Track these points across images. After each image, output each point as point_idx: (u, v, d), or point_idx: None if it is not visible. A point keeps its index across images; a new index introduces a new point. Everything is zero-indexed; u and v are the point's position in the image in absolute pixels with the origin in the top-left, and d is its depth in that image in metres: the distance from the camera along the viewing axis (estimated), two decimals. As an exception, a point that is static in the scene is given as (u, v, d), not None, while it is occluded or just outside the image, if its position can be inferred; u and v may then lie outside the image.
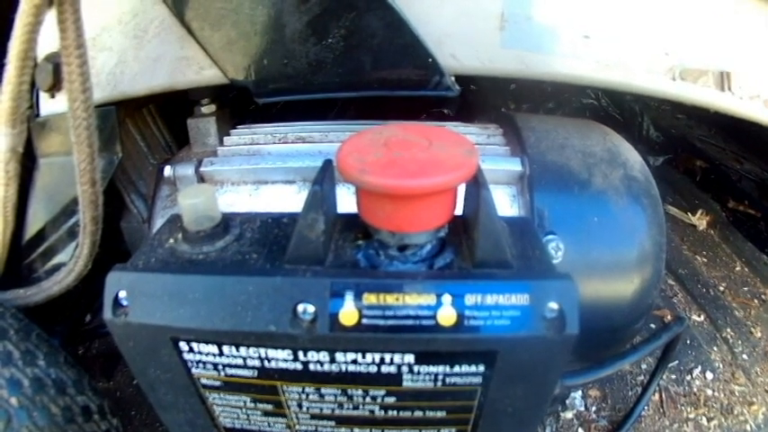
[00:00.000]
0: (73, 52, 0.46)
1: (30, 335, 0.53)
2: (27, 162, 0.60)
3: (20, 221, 0.60)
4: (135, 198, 0.58)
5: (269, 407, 0.38)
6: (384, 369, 0.33)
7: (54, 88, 0.57)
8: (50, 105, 0.60)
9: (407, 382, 0.35)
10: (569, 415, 0.77)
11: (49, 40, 0.46)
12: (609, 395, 0.79)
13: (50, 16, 0.44)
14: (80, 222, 0.51)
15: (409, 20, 0.45)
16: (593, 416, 0.77)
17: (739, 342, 0.88)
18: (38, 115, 0.61)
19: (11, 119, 0.51)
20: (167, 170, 0.54)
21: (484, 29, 0.47)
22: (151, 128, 0.63)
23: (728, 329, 0.90)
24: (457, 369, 0.34)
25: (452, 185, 0.30)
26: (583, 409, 0.78)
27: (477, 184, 0.32)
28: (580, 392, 0.79)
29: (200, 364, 0.36)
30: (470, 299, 0.31)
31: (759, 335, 0.89)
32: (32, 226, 0.61)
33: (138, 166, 0.59)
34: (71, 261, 0.54)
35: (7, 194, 0.54)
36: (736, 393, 0.80)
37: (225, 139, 0.59)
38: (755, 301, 0.96)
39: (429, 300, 0.31)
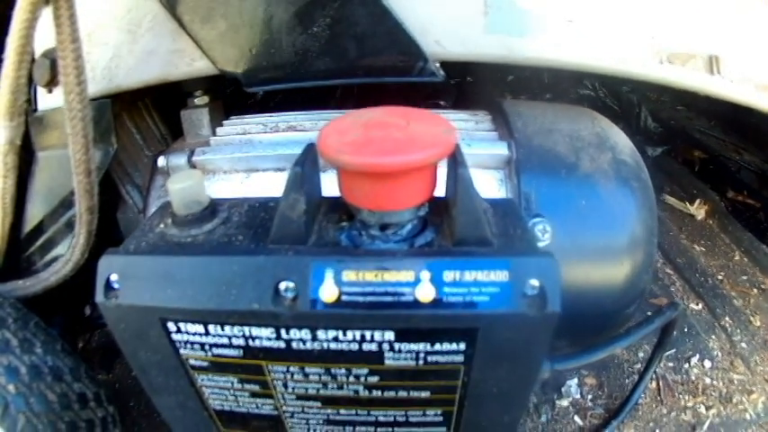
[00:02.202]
0: (68, 46, 0.47)
1: (28, 324, 0.54)
2: (26, 156, 0.61)
3: (19, 214, 0.61)
4: (130, 189, 0.59)
5: (256, 387, 0.39)
6: (365, 347, 0.34)
7: (51, 83, 0.58)
8: (48, 100, 0.61)
9: (389, 361, 0.35)
10: (565, 403, 0.77)
11: (46, 36, 0.48)
12: (605, 383, 0.79)
13: (47, 12, 0.45)
14: (76, 213, 0.52)
15: (393, 7, 0.46)
16: (590, 404, 0.77)
17: (738, 331, 0.87)
18: (36, 110, 0.62)
19: (9, 112, 0.52)
20: (161, 160, 0.55)
21: (467, 14, 0.47)
22: (146, 120, 0.64)
23: (727, 318, 0.90)
24: (438, 347, 0.34)
25: (428, 162, 0.31)
26: (579, 396, 0.78)
27: (455, 163, 0.33)
28: (576, 380, 0.79)
29: (188, 345, 0.36)
30: (449, 275, 0.32)
31: (758, 324, 0.88)
32: (31, 219, 0.62)
33: (134, 157, 0.60)
34: (68, 251, 0.55)
35: (5, 186, 0.55)
36: (735, 382, 0.80)
37: (218, 129, 0.60)
38: (754, 290, 0.95)
39: (407, 276, 0.32)
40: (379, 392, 0.38)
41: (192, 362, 0.38)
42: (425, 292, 0.31)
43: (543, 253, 0.34)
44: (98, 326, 0.71)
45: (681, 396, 0.78)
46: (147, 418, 0.74)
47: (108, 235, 0.59)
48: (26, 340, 0.52)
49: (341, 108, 0.69)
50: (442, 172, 0.37)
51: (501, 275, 0.32)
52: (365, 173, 0.30)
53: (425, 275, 0.31)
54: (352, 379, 0.37)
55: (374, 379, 0.37)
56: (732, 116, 1.11)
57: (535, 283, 0.33)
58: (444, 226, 0.36)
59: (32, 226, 0.61)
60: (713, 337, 0.87)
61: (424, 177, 0.32)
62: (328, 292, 0.31)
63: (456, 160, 0.33)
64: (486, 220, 0.35)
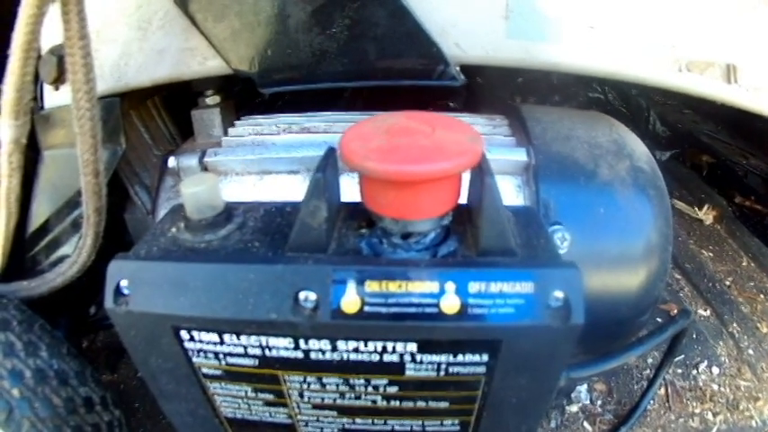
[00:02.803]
0: (76, 43, 0.46)
1: (32, 326, 0.53)
2: (31, 154, 0.60)
3: (24, 214, 0.60)
4: (139, 190, 0.58)
5: (270, 396, 0.38)
6: (386, 358, 0.33)
7: (58, 80, 0.57)
8: (54, 98, 0.60)
9: (410, 372, 0.34)
10: (575, 408, 0.76)
11: (53, 32, 0.47)
12: (614, 389, 0.79)
13: (55, 8, 0.44)
14: (84, 214, 0.51)
15: (413, 9, 0.45)
16: (599, 409, 0.76)
17: (745, 337, 0.87)
18: (42, 108, 0.61)
19: (14, 110, 0.51)
20: (171, 161, 0.54)
21: (488, 18, 0.46)
22: (156, 120, 0.63)
23: (735, 324, 0.89)
24: (460, 358, 0.34)
25: (456, 172, 0.30)
26: (588, 402, 0.77)
27: (481, 172, 0.32)
28: (585, 386, 0.79)
29: (201, 353, 0.35)
30: (474, 287, 0.31)
31: (765, 330, 0.88)
32: (37, 218, 0.61)
33: (143, 157, 0.59)
34: (74, 253, 0.54)
35: (11, 186, 0.54)
36: (742, 388, 0.79)
37: (229, 129, 0.59)
38: (762, 296, 0.95)
39: (432, 287, 0.31)
40: (398, 403, 0.37)
41: (204, 370, 0.37)
42: (450, 304, 0.30)
43: (567, 264, 0.33)
44: (103, 326, 0.70)
45: (689, 402, 0.78)
46: (153, 420, 0.73)
47: (115, 236, 0.58)
48: (31, 343, 0.51)
49: (350, 108, 0.68)
50: (465, 178, 0.36)
51: (526, 287, 0.32)
52: (391, 181, 0.29)
53: (450, 287, 0.31)
54: (370, 389, 0.36)
55: (393, 389, 0.36)
56: (739, 120, 1.10)
57: (559, 294, 0.32)
58: (468, 235, 0.35)
59: (38, 226, 0.60)
60: (721, 343, 0.86)
61: (450, 186, 0.32)
62: (350, 302, 0.30)
63: (482, 169, 0.32)
64: (510, 229, 0.34)
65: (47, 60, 0.56)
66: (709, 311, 0.93)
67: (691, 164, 1.26)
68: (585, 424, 0.74)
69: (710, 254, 1.05)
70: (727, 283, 0.98)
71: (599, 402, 0.77)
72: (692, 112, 1.21)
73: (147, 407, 0.75)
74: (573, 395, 0.78)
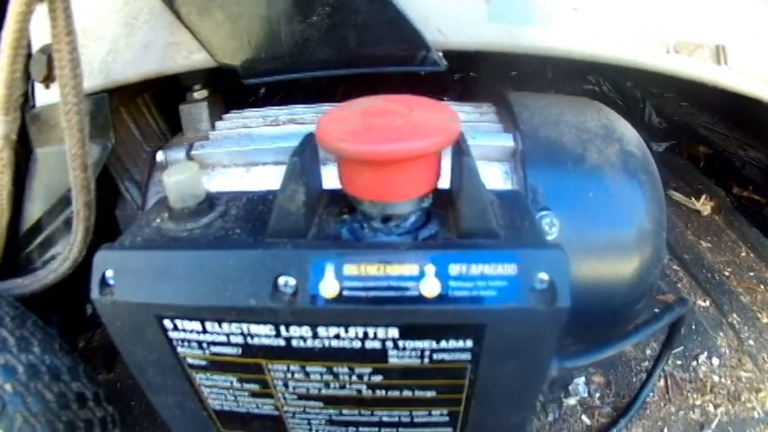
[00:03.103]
0: (63, 39, 0.47)
1: (25, 322, 0.53)
2: (24, 153, 0.60)
3: (17, 212, 0.60)
4: (129, 185, 0.58)
5: (255, 387, 0.38)
6: (368, 344, 0.33)
7: (48, 79, 0.58)
8: (46, 96, 0.60)
9: (393, 359, 0.34)
10: (573, 401, 0.75)
11: (44, 32, 0.47)
12: (613, 381, 0.78)
13: (43, 7, 0.45)
14: (73, 209, 0.51)
15: (394, -5, 0.44)
16: (597, 402, 0.75)
17: (745, 327, 0.86)
18: (34, 106, 0.61)
19: (4, 106, 0.51)
20: (160, 155, 0.54)
21: (470, 3, 0.46)
22: (145, 116, 0.63)
23: (734, 315, 0.88)
24: (444, 344, 0.33)
25: (432, 150, 0.29)
26: (586, 395, 0.76)
27: (459, 152, 0.32)
28: (583, 378, 0.78)
29: (185, 343, 0.35)
30: (454, 269, 0.31)
31: (765, 320, 0.87)
32: (29, 216, 0.61)
33: (133, 153, 0.59)
34: (66, 249, 0.54)
35: (2, 182, 0.54)
36: (743, 380, 0.78)
37: (217, 123, 0.59)
38: (761, 286, 0.94)
39: (411, 270, 0.30)
40: (383, 392, 0.37)
41: (189, 360, 0.37)
42: (430, 287, 0.30)
43: (552, 245, 0.33)
44: (99, 325, 0.70)
45: (689, 394, 0.77)
46: (149, 418, 0.73)
47: (107, 233, 0.58)
48: (24, 339, 0.51)
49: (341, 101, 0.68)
50: (447, 164, 0.36)
51: (509, 269, 0.31)
52: (366, 161, 0.29)
53: (430, 269, 0.30)
54: (354, 378, 0.35)
55: (378, 378, 0.35)
56: (736, 111, 1.09)
57: (544, 276, 0.31)
58: (449, 218, 0.35)
59: (31, 224, 0.60)
60: (721, 334, 0.85)
61: (427, 166, 0.31)
62: (329, 286, 0.30)
63: (461, 149, 0.32)
64: (493, 211, 0.34)
65: (37, 59, 0.56)
66: (708, 302, 0.91)
67: (688, 155, 1.25)
68: (584, 417, 0.74)
69: (709, 244, 1.04)
70: (727, 273, 0.97)
71: (597, 395, 0.76)
72: (688, 103, 1.20)
73: (144, 405, 0.75)
74: (571, 388, 0.77)
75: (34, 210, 0.61)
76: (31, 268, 0.61)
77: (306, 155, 0.33)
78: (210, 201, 0.37)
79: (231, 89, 0.72)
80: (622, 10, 0.48)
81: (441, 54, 0.48)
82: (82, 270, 0.55)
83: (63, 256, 0.55)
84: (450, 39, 0.47)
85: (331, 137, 0.29)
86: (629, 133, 0.53)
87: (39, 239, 0.62)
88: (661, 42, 0.49)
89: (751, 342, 0.84)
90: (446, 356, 0.34)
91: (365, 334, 0.32)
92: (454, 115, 0.32)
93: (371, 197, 0.32)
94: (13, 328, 0.51)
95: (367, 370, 0.35)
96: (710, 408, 0.75)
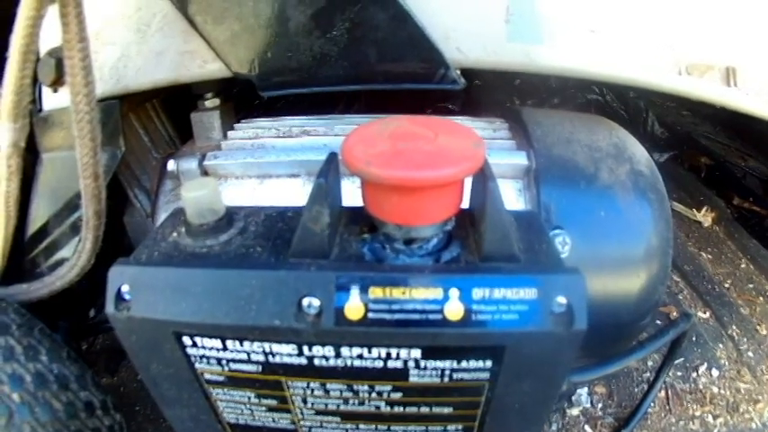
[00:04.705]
0: (75, 46, 0.46)
1: (32, 330, 0.52)
2: (30, 157, 0.60)
3: (23, 217, 0.59)
4: (138, 192, 0.58)
5: (273, 402, 0.38)
6: (390, 364, 0.33)
7: (57, 83, 0.57)
8: (53, 100, 0.60)
9: (414, 378, 0.34)
10: (575, 412, 0.76)
11: (51, 34, 0.46)
12: (615, 392, 0.79)
13: (54, 10, 0.44)
14: (83, 217, 0.51)
15: (414, 12, 0.45)
16: (600, 413, 0.76)
17: (745, 339, 0.87)
18: (40, 110, 0.61)
19: (13, 113, 0.50)
20: (171, 164, 0.54)
21: (490, 22, 0.46)
22: (155, 122, 0.63)
23: (734, 326, 0.89)
24: (464, 364, 0.34)
25: (459, 177, 0.30)
26: (589, 405, 0.77)
27: (484, 177, 0.32)
28: (586, 389, 0.79)
29: (204, 359, 0.35)
30: (478, 293, 0.31)
31: (765, 332, 0.88)
32: (35, 221, 0.60)
33: (142, 160, 0.59)
34: (74, 256, 0.54)
35: (9, 189, 0.54)
36: (742, 391, 0.80)
37: (229, 133, 0.59)
38: (761, 298, 0.95)
39: (436, 294, 0.31)
40: (401, 408, 0.37)
41: (207, 376, 0.37)
42: (454, 310, 0.30)
43: (570, 269, 0.33)
44: (103, 329, 0.70)
45: (689, 405, 0.78)
46: (154, 423, 0.73)
47: (114, 239, 0.58)
48: (31, 347, 0.51)
49: (348, 111, 0.68)
50: (467, 183, 0.36)
51: (529, 293, 0.32)
52: (394, 186, 0.29)
53: (454, 293, 0.30)
54: (374, 395, 0.36)
55: (397, 395, 0.36)
56: (737, 122, 1.10)
57: (563, 300, 0.32)
58: (470, 240, 0.35)
59: (37, 228, 0.60)
60: (720, 345, 0.87)
61: (453, 192, 0.31)
62: (354, 308, 0.30)
63: (485, 174, 0.32)
64: (513, 234, 0.34)
65: (45, 62, 0.56)
66: (708, 314, 0.93)
67: (689, 165, 1.26)
68: (586, 427, 0.74)
69: (709, 256, 1.05)
70: (727, 285, 0.98)
71: (600, 405, 0.77)
72: (690, 113, 1.21)
73: (148, 410, 0.75)
74: (573, 398, 0.77)
75: (40, 214, 0.61)
76: (36, 273, 0.61)
77: (330, 175, 0.33)
78: (229, 217, 0.37)
79: (237, 94, 0.72)
80: (637, 32, 0.49)
81: (459, 72, 0.48)
82: (88, 276, 0.55)
83: (71, 263, 0.54)
84: (468, 57, 0.47)
85: (359, 160, 0.29)
86: (638, 152, 0.54)
87: (44, 244, 0.61)
88: (673, 64, 0.50)
89: (750, 354, 0.85)
90: (465, 375, 0.35)
91: (388, 354, 0.32)
92: (479, 140, 0.32)
93: (397, 220, 0.32)
94: (20, 336, 0.51)
95: (387, 388, 0.35)
96: (710, 419, 0.76)
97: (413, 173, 0.28)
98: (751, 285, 0.98)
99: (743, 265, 1.02)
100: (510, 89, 1.03)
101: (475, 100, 1.00)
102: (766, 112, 0.55)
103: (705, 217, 1.12)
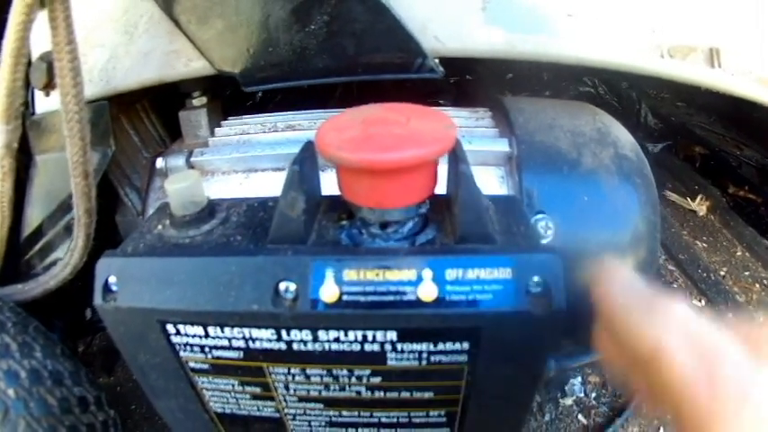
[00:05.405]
0: (64, 48, 0.47)
1: (27, 328, 0.53)
2: (24, 159, 0.61)
3: (17, 218, 0.61)
4: (129, 191, 0.59)
5: (257, 390, 0.38)
6: (367, 347, 0.33)
7: (48, 86, 0.58)
8: (46, 103, 0.61)
9: (392, 361, 0.35)
10: (569, 401, 0.76)
11: (43, 40, 0.48)
12: (609, 381, 0.79)
13: (44, 15, 0.45)
14: (74, 215, 0.52)
15: (391, 4, 0.45)
16: (594, 402, 0.76)
17: (741, 327, 0.87)
18: (33, 113, 0.62)
19: (5, 115, 0.52)
20: (159, 162, 0.55)
21: (466, 9, 0.47)
22: (145, 123, 0.64)
23: (730, 314, 0.89)
24: (441, 346, 0.34)
25: (429, 158, 0.30)
26: (582, 395, 0.77)
27: (455, 159, 0.32)
28: (580, 378, 0.79)
29: (188, 347, 0.36)
30: (451, 273, 0.31)
31: (761, 320, 0.88)
32: (30, 223, 0.62)
33: (132, 159, 0.60)
34: (67, 254, 0.54)
35: (3, 190, 0.55)
36: (739, 378, 0.79)
37: (216, 130, 0.59)
38: (757, 285, 0.95)
39: (409, 275, 0.31)
40: (382, 393, 0.37)
41: (191, 364, 0.37)
42: (427, 291, 0.31)
43: (546, 249, 0.33)
44: (99, 329, 0.71)
45: (685, 393, 0.77)
46: (149, 422, 0.74)
47: (107, 238, 0.59)
48: (26, 344, 0.52)
49: (340, 108, 0.68)
50: (443, 169, 0.36)
51: (504, 273, 0.32)
52: (365, 170, 0.30)
53: (427, 274, 0.31)
54: (354, 380, 0.36)
55: (376, 380, 0.36)
56: (732, 112, 1.10)
57: (539, 280, 0.32)
58: (446, 223, 0.35)
59: (31, 230, 0.61)
60: (717, 333, 0.86)
61: (425, 174, 0.32)
62: (329, 291, 0.31)
63: (457, 156, 0.33)
64: (489, 216, 0.34)
65: (37, 67, 0.57)
66: (704, 302, 0.92)
67: (684, 155, 1.26)
68: (580, 417, 0.74)
69: (705, 244, 1.05)
70: (722, 273, 0.98)
71: (593, 395, 0.77)
72: (685, 104, 1.21)
73: (144, 409, 0.76)
74: (567, 388, 0.77)
75: (35, 216, 0.62)
76: (31, 274, 0.62)
77: (305, 163, 0.33)
78: (211, 208, 0.38)
79: (228, 94, 0.73)
80: (616, 15, 0.49)
81: (437, 61, 0.49)
82: (82, 275, 0.55)
83: (64, 261, 0.55)
84: (446, 46, 0.48)
85: (330, 146, 0.30)
86: (623, 137, 0.54)
87: (39, 245, 0.62)
88: (655, 47, 0.50)
89: (746, 341, 0.84)
90: (443, 358, 0.35)
91: (364, 337, 0.33)
92: (450, 123, 0.32)
93: (370, 204, 0.32)
94: (15, 333, 0.52)
95: (366, 372, 0.36)
96: (706, 406, 0.75)
97: (382, 155, 0.29)
98: (747, 273, 0.98)
99: (738, 253, 1.02)
100: (502, 83, 1.03)
101: (467, 94, 1.00)
102: (751, 92, 0.55)
103: (700, 206, 1.12)
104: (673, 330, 0.24)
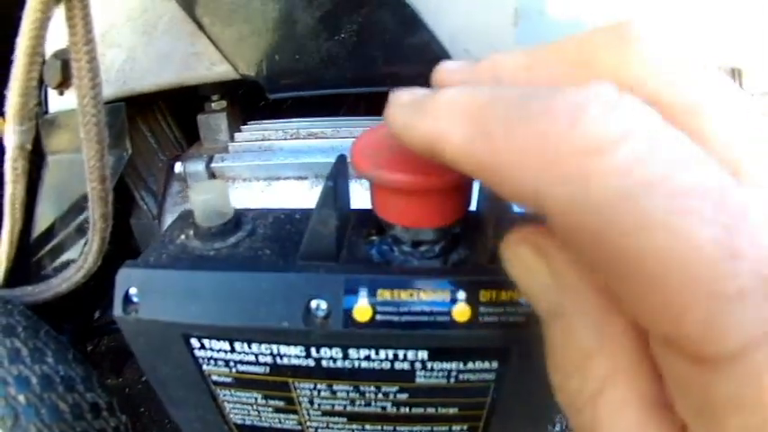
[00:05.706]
0: (82, 48, 0.46)
1: (38, 332, 0.53)
2: (36, 159, 0.60)
3: (28, 219, 0.60)
4: (145, 195, 0.58)
5: (280, 403, 0.38)
6: (397, 365, 0.33)
7: (63, 85, 0.57)
8: (59, 102, 0.60)
9: (420, 379, 0.34)
10: (578, 413, 0.76)
11: (57, 36, 0.46)
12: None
13: (60, 12, 0.44)
14: (89, 219, 0.51)
15: (422, 15, 0.45)
16: (603, 414, 0.76)
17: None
18: (46, 112, 0.61)
19: (19, 115, 0.51)
20: (178, 166, 0.54)
21: (497, 24, 0.46)
22: (161, 124, 0.63)
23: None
24: (471, 365, 0.34)
25: (467, 180, 0.30)
26: (592, 407, 0.77)
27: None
28: (589, 390, 0.79)
29: (212, 361, 0.35)
30: (485, 295, 0.31)
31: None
32: (41, 223, 0.61)
33: (148, 162, 0.59)
34: (80, 258, 0.54)
35: (15, 191, 0.54)
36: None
37: (236, 135, 0.59)
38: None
39: (443, 296, 0.31)
40: (407, 409, 0.37)
41: (214, 377, 0.37)
42: (462, 312, 0.31)
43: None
44: (107, 330, 0.70)
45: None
46: (158, 424, 0.73)
47: (120, 241, 0.58)
48: (37, 349, 0.51)
49: (353, 113, 0.68)
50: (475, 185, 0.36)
51: (537, 294, 0.32)
52: (402, 190, 0.29)
53: (461, 295, 0.31)
54: (380, 396, 0.36)
55: (403, 396, 0.36)
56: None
57: (570, 301, 0.32)
58: (478, 243, 0.35)
59: (42, 230, 0.60)
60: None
61: (462, 194, 0.32)
62: (362, 310, 0.30)
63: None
64: (521, 236, 0.34)
65: (51, 65, 0.56)
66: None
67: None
68: (590, 428, 0.74)
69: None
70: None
71: (603, 406, 0.77)
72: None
73: (153, 411, 0.75)
74: (577, 399, 0.77)
75: (46, 216, 0.61)
76: (42, 275, 0.61)
77: (339, 178, 0.33)
78: (237, 219, 0.37)
79: (240, 95, 0.72)
80: (643, 33, 0.49)
81: (466, 74, 0.48)
82: (94, 279, 0.55)
83: (77, 264, 0.54)
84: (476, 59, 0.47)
85: (368, 163, 0.29)
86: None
87: (50, 246, 0.62)
88: (679, 66, 0.50)
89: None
90: (471, 376, 0.35)
91: (395, 356, 0.33)
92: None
93: (405, 223, 0.32)
94: (26, 338, 0.51)
95: (393, 389, 0.35)
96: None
97: (421, 176, 0.28)
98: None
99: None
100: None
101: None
102: (770, 114, 0.55)
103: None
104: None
